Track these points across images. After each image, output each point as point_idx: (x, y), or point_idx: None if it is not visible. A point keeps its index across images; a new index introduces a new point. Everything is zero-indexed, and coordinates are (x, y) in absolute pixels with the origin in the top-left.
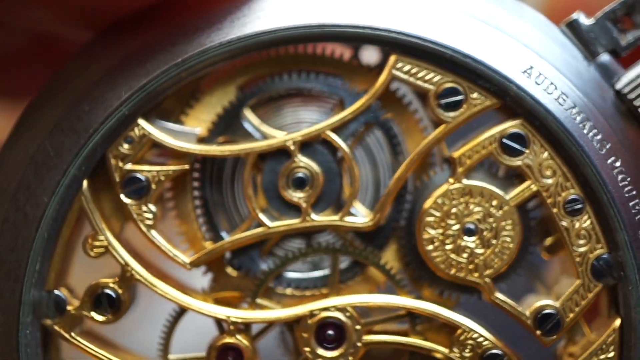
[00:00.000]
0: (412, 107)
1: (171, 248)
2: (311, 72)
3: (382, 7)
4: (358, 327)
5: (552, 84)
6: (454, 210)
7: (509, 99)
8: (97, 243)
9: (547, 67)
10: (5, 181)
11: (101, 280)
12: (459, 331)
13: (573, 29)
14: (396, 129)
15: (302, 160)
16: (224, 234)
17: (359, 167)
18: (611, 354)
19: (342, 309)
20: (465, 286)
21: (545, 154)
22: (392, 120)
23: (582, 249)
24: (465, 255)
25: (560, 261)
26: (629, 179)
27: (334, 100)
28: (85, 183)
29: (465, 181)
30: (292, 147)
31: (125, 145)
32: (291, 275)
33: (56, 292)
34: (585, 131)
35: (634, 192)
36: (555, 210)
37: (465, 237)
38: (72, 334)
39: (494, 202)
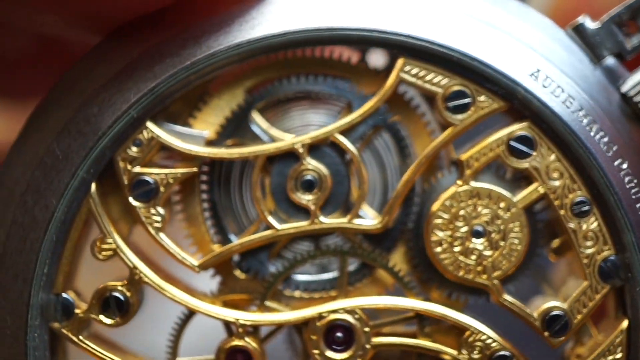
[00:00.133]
0: (419, 110)
1: (180, 251)
2: (319, 75)
3: (390, 11)
4: (367, 329)
5: (559, 86)
6: (462, 212)
7: (516, 102)
8: (105, 246)
9: (553, 70)
10: (14, 183)
11: (109, 283)
12: (468, 333)
13: (579, 32)
14: (404, 131)
15: (311, 162)
16: (232, 236)
17: (367, 170)
18: (619, 355)
19: (350, 311)
20: (474, 288)
21: (553, 157)
22: (399, 123)
23: (589, 251)
24: (473, 257)
25: (567, 263)
26: (635, 181)
27: (341, 104)
28: (93, 186)
29: (473, 183)
30: (300, 150)
31: (134, 148)
32: (300, 277)
33: (64, 295)
34: (592, 134)
35: None
36: (562, 212)
37: (474, 239)
38: (80, 337)
39: (502, 204)
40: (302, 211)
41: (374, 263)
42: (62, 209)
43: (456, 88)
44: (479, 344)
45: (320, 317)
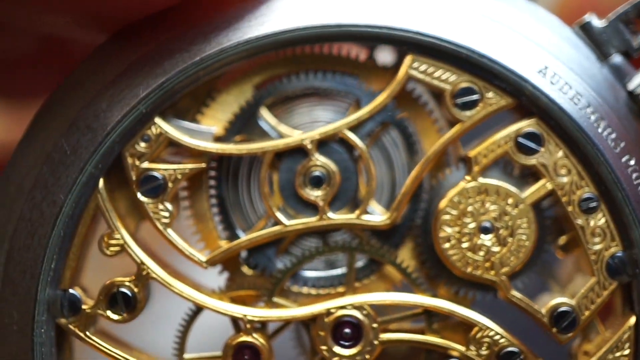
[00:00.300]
0: (427, 107)
1: (187, 247)
2: (327, 72)
3: (399, 8)
4: (375, 325)
5: (566, 83)
6: (470, 208)
7: (524, 99)
8: (112, 241)
9: (561, 68)
10: (21, 179)
11: (117, 279)
12: (476, 329)
13: (586, 30)
14: (412, 128)
15: (319, 158)
16: (240, 232)
17: (375, 166)
18: (626, 352)
19: (359, 307)
20: (481, 284)
21: (560, 153)
22: (408, 120)
23: (597, 247)
24: (481, 253)
25: (574, 259)
26: None
27: (349, 100)
28: (101, 181)
29: (481, 180)
30: (309, 146)
31: (142, 144)
32: (307, 273)
33: (71, 291)
34: (599, 130)
35: None
36: (570, 208)
37: (482, 235)
38: (87, 333)
39: (510, 201)
40: (310, 207)
41: (381, 259)
42: (69, 204)
43: (464, 85)
44: (487, 340)
45: (328, 313)
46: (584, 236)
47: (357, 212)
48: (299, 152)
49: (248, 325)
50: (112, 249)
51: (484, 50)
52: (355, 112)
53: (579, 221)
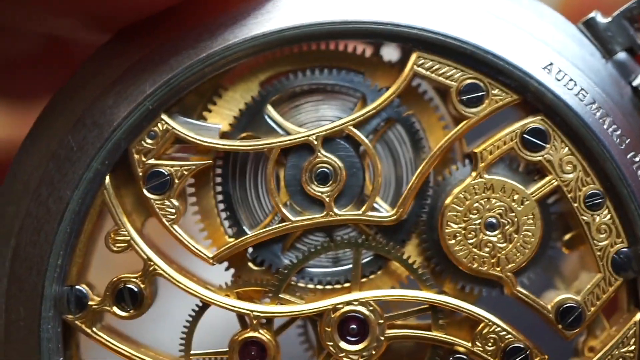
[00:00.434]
0: (433, 104)
1: (194, 243)
2: (333, 68)
3: (404, 4)
4: (381, 321)
5: (571, 80)
6: (475, 204)
7: (529, 95)
8: (119, 238)
9: (566, 64)
10: (27, 175)
11: (123, 275)
12: (482, 325)
13: (590, 27)
14: (417, 125)
15: (326, 155)
16: (246, 229)
17: (381, 163)
18: (632, 347)
19: (365, 303)
20: (487, 280)
21: (566, 149)
22: (413, 116)
23: (602, 243)
24: (487, 249)
25: (579, 255)
26: None
27: (355, 97)
28: (107, 177)
29: (486, 176)
30: (315, 142)
31: (149, 140)
32: (313, 270)
33: (78, 287)
34: (605, 126)
35: None
36: (575, 204)
37: (487, 232)
38: (94, 329)
39: (515, 197)
40: (317, 203)
41: (387, 255)
42: (76, 200)
43: (470, 81)
44: (493, 336)
45: (334, 309)
46: (590, 232)
47: (363, 208)
48: (305, 148)
49: (254, 321)
50: (118, 245)
51: (489, 46)
52: (362, 108)
53: (585, 217)
